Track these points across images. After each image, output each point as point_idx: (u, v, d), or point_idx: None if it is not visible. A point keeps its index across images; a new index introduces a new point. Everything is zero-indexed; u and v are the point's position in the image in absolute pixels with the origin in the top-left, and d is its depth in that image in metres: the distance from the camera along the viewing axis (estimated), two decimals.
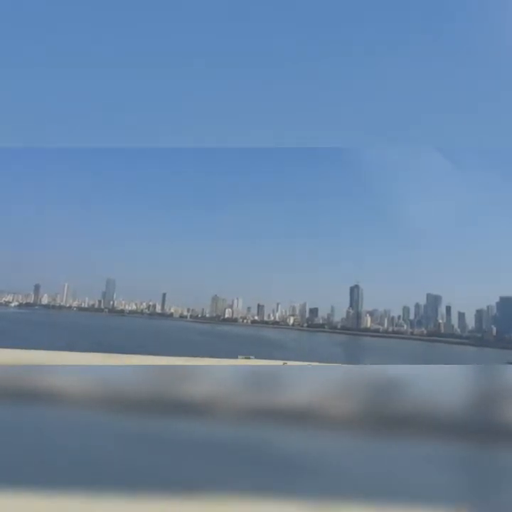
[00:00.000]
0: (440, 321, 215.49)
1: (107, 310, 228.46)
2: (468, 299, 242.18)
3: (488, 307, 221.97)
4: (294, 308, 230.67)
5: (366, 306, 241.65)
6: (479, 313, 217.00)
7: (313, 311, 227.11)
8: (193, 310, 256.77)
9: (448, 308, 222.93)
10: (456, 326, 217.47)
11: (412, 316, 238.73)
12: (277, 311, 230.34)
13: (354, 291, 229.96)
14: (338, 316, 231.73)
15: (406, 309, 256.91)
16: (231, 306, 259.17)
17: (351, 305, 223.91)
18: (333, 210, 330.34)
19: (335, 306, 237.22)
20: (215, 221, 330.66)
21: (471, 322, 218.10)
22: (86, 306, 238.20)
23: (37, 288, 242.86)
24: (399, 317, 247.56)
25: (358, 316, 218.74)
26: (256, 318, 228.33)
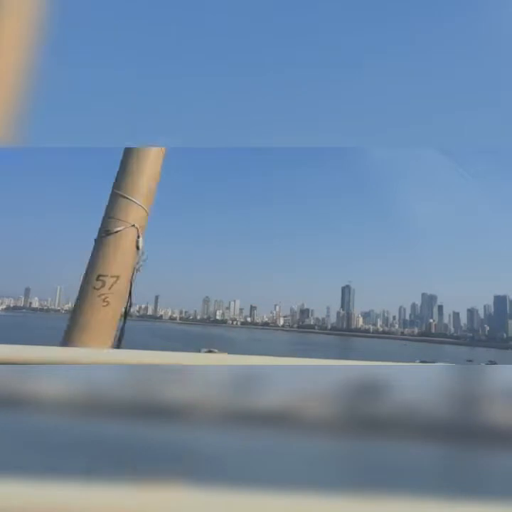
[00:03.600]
0: (431, 320, 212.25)
1: None
2: (467, 298, 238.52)
3: (485, 306, 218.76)
4: (291, 310, 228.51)
5: (363, 307, 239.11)
6: (471, 313, 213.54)
7: (305, 312, 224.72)
8: (185, 312, 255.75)
9: (440, 308, 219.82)
10: (450, 325, 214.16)
11: (408, 317, 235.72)
12: (275, 310, 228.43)
13: (345, 292, 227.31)
14: (334, 317, 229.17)
15: (402, 309, 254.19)
16: (228, 308, 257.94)
17: (342, 305, 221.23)
18: (332, 211, 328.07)
19: (331, 306, 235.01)
20: (212, 222, 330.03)
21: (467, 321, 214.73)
22: None
23: (27, 291, 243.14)
24: (393, 317, 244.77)
25: (348, 317, 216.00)
26: (248, 319, 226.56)
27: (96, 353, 1.24)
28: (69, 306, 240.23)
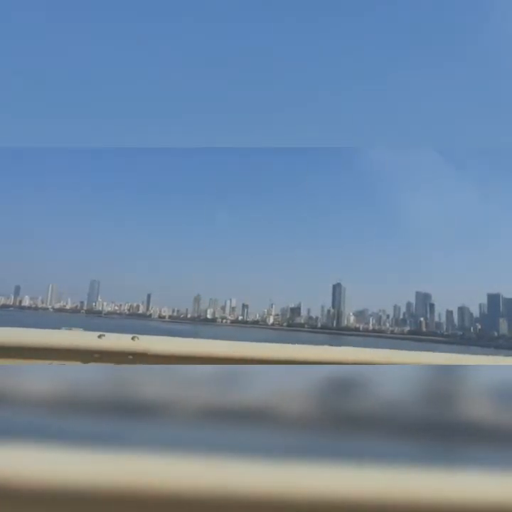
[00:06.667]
0: (421, 319, 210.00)
1: (84, 311, 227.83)
2: (464, 297, 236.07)
3: (480, 305, 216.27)
4: (282, 309, 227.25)
5: (358, 305, 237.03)
6: (461, 311, 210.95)
7: (295, 311, 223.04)
8: (177, 310, 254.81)
9: (432, 306, 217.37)
10: (443, 323, 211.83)
11: (402, 315, 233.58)
12: (272, 308, 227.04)
13: (336, 290, 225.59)
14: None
15: (397, 308, 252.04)
16: (223, 307, 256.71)
17: (333, 303, 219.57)
18: (330, 210, 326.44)
19: (326, 305, 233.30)
20: (208, 222, 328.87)
21: (466, 320, 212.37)
22: (68, 308, 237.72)
23: (17, 289, 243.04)
24: (387, 316, 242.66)
25: (338, 315, 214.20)
26: (240, 318, 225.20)
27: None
28: (60, 304, 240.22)
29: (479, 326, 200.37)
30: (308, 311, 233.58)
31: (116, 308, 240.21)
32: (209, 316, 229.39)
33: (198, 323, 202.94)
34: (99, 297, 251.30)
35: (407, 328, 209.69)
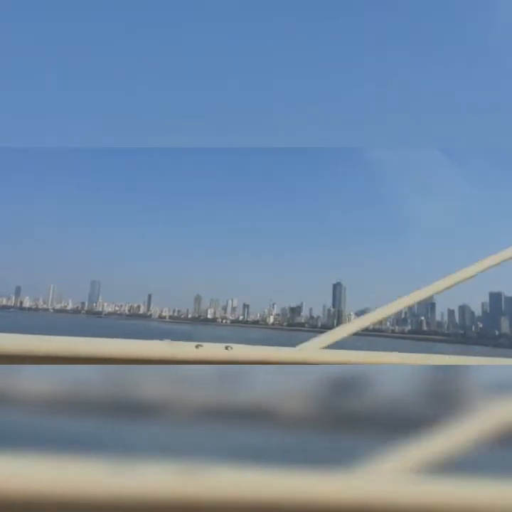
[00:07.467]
0: (422, 318, 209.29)
1: (84, 311, 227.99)
2: (466, 296, 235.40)
3: (482, 304, 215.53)
4: (282, 309, 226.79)
5: (360, 305, 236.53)
6: (462, 310, 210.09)
7: (295, 310, 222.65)
8: (178, 311, 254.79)
9: (432, 305, 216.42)
10: (445, 323, 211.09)
11: (404, 315, 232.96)
12: (273, 308, 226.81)
13: (336, 289, 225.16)
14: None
15: None
16: (225, 307, 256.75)
17: (334, 303, 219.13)
18: (332, 210, 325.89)
19: (328, 305, 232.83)
20: (209, 222, 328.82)
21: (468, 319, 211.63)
22: (69, 308, 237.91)
23: (18, 290, 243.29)
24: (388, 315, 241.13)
25: (339, 314, 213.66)
26: (240, 318, 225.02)
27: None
28: (61, 305, 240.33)
29: (480, 325, 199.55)
30: (310, 310, 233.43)
31: (117, 308, 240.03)
32: (209, 316, 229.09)
33: (198, 323, 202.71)
34: (100, 298, 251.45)
35: (408, 328, 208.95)
